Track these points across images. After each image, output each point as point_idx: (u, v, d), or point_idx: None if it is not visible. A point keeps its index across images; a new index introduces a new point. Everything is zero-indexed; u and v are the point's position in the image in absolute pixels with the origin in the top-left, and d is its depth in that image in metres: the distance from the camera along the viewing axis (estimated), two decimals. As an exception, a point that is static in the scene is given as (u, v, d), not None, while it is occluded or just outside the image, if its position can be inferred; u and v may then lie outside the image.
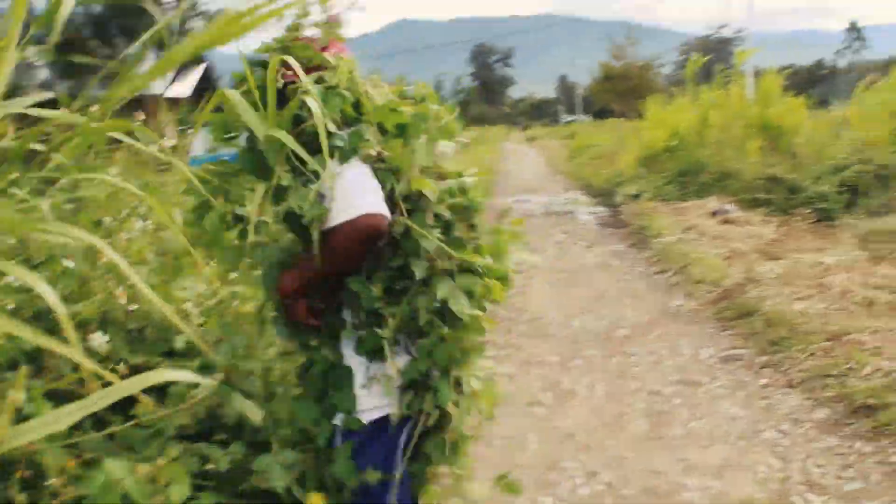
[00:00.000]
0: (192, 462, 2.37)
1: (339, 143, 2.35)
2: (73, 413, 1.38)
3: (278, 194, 2.40)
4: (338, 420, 2.52)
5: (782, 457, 4.84)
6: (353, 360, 2.51)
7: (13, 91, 1.93)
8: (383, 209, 2.31)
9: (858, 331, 6.47)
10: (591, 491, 4.56)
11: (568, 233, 14.27)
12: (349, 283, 2.43)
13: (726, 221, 12.88)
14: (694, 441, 5.17)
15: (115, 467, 1.92)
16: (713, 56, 22.60)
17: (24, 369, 1.49)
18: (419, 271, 2.42)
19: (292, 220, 2.40)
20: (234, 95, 2.34)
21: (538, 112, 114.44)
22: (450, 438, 2.68)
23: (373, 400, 2.51)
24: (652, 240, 12.35)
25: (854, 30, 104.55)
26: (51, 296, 1.44)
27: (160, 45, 2.24)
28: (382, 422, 2.53)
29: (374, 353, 2.47)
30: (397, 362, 2.49)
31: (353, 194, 2.32)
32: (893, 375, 5.44)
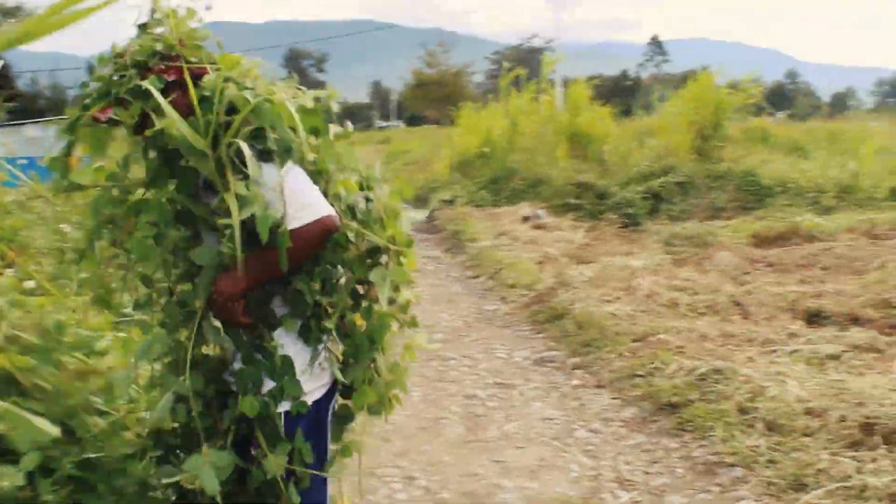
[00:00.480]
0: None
1: (273, 146, 2.35)
2: None
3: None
4: (284, 407, 2.53)
5: (594, 455, 4.98)
6: (292, 348, 2.55)
7: None
8: (333, 210, 2.43)
9: (663, 331, 6.74)
10: (408, 496, 4.55)
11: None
12: (296, 283, 2.50)
13: (538, 226, 13.20)
14: (510, 443, 5.24)
15: None
16: (524, 65, 23.06)
17: None
18: (376, 274, 2.64)
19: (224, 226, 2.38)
20: (166, 106, 2.27)
21: (351, 117, 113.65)
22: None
23: (314, 383, 2.60)
24: (466, 245, 12.51)
25: (656, 43, 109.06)
26: None
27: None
28: (323, 399, 2.66)
29: (317, 340, 2.59)
30: (338, 346, 2.69)
31: (307, 197, 2.40)
32: (694, 373, 5.68)
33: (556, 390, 6.20)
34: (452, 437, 5.38)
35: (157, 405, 2.59)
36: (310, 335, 2.59)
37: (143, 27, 2.46)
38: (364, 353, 2.73)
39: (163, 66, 2.36)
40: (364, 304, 2.75)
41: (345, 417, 2.90)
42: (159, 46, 2.39)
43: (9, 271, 3.94)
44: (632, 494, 4.44)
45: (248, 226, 2.32)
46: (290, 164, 2.39)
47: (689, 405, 5.32)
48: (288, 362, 2.52)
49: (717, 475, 4.51)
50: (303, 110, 2.46)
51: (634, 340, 6.69)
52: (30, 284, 3.66)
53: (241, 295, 2.45)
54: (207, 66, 2.42)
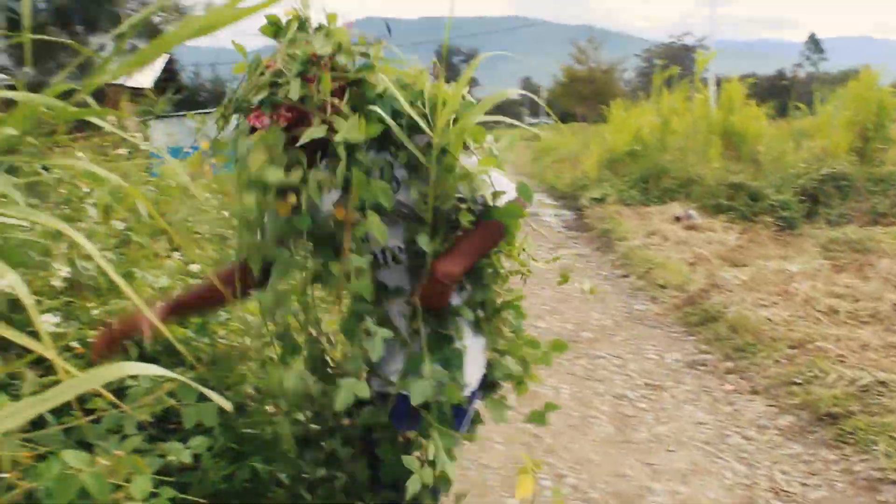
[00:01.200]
0: (154, 460, 2.30)
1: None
2: (32, 407, 1.31)
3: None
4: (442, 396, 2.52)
5: (748, 463, 4.85)
6: (468, 339, 2.59)
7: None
8: None
9: (822, 339, 6.51)
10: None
11: (533, 234, 14.23)
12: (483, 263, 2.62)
13: (690, 227, 12.94)
14: (660, 445, 5.16)
15: (72, 458, 1.86)
16: (675, 62, 22.69)
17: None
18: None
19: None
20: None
21: (501, 113, 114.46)
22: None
23: (477, 372, 2.66)
24: (616, 243, 12.38)
25: (813, 41, 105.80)
26: (19, 285, 1.38)
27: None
28: (477, 390, 2.71)
29: (483, 328, 2.68)
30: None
31: (503, 182, 2.50)
32: (856, 384, 5.47)
33: (709, 394, 6.07)
34: (601, 437, 5.34)
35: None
36: (479, 325, 2.64)
37: (293, 37, 2.46)
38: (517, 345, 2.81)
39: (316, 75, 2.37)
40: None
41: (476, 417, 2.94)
42: (314, 52, 2.40)
43: (176, 255, 4.14)
44: (788, 506, 4.32)
45: (448, 212, 2.44)
46: (474, 154, 2.49)
47: (851, 417, 5.13)
48: (459, 354, 2.51)
49: (881, 492, 4.34)
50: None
51: (791, 347, 6.48)
52: (194, 267, 3.83)
53: (461, 277, 2.49)
54: (372, 72, 2.44)
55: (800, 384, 5.81)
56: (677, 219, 13.56)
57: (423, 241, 2.43)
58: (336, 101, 2.36)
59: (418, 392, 2.39)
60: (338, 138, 2.31)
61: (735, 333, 7.16)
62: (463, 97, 2.45)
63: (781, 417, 5.48)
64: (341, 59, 2.43)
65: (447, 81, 2.56)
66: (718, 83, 21.16)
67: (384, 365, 2.56)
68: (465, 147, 2.47)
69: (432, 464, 2.40)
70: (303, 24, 2.45)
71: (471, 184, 2.41)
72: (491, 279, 2.68)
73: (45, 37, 1.83)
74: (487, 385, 2.81)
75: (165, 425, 2.69)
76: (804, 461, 4.82)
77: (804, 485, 4.53)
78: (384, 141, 2.41)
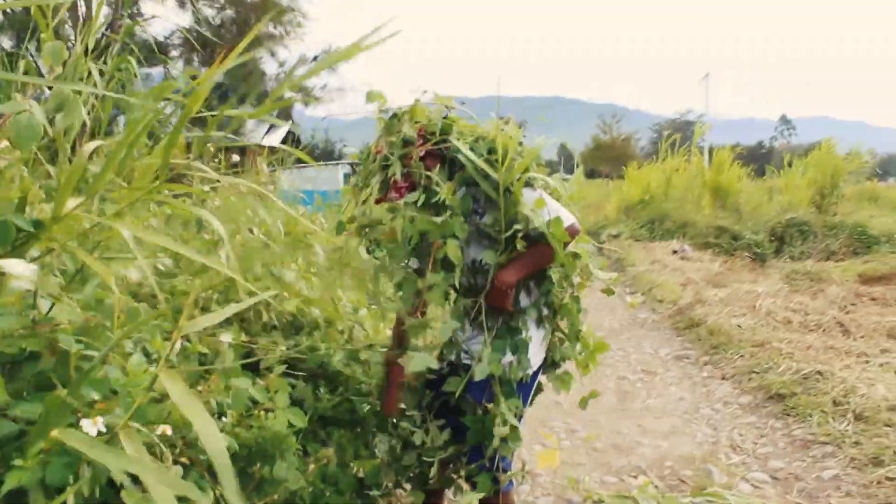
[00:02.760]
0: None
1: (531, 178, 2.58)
2: (230, 309, 1.53)
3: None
4: (521, 373, 2.59)
5: (714, 427, 4.97)
6: (532, 331, 2.62)
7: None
8: (575, 219, 2.58)
9: (778, 341, 6.55)
10: (571, 444, 4.70)
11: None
12: (550, 272, 2.62)
13: (684, 258, 12.96)
14: (650, 413, 5.31)
15: (241, 381, 2.11)
16: (679, 134, 22.61)
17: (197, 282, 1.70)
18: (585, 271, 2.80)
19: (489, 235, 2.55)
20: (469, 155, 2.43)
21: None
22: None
23: (538, 357, 2.68)
24: (627, 268, 12.45)
25: (785, 120, 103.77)
26: (217, 224, 1.60)
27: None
28: (537, 371, 2.74)
29: (544, 323, 2.69)
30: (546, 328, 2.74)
31: (560, 210, 2.52)
32: (800, 373, 5.54)
33: (689, 379, 6.19)
34: (607, 406, 5.49)
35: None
36: (541, 321, 2.68)
37: (390, 123, 2.56)
38: (574, 332, 2.82)
39: (414, 152, 2.46)
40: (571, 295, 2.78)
41: (539, 390, 2.92)
42: (408, 135, 2.50)
43: (300, 261, 4.38)
44: (741, 457, 4.42)
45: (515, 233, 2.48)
46: (539, 189, 2.57)
47: (794, 396, 5.20)
48: (524, 344, 2.57)
49: (811, 450, 4.43)
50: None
51: (754, 346, 6.54)
52: (313, 270, 4.04)
53: (516, 285, 2.51)
54: (453, 140, 2.49)
55: (758, 373, 5.88)
56: (674, 252, 13.58)
57: (488, 256, 2.50)
58: (429, 165, 2.48)
59: (482, 370, 2.46)
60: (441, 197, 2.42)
61: (712, 336, 7.24)
62: (521, 147, 2.52)
63: (742, 397, 5.57)
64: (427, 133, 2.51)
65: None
66: (711, 150, 21.07)
67: (471, 344, 2.61)
68: (529, 184, 2.54)
69: (504, 424, 2.51)
70: (394, 114, 2.56)
71: (525, 216, 2.43)
72: (551, 285, 2.65)
73: (209, 113, 2.00)
74: (550, 364, 2.84)
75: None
76: (757, 427, 4.92)
77: (755, 443, 4.63)
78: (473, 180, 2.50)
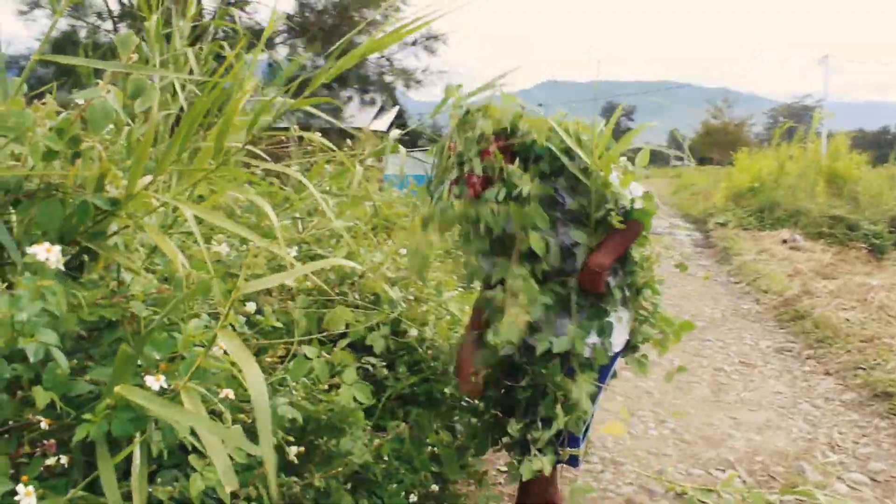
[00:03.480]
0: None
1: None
2: (288, 275, 1.59)
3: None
4: (588, 353, 2.63)
5: (813, 424, 4.76)
6: (615, 313, 2.66)
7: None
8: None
9: (889, 336, 6.21)
10: (658, 434, 4.60)
11: (666, 248, 14.00)
12: (633, 252, 2.67)
13: (793, 248, 12.40)
14: (744, 406, 5.13)
15: (309, 352, 2.18)
16: (796, 119, 21.61)
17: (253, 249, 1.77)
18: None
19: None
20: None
21: (652, 157, 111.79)
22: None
23: (620, 338, 2.70)
24: (732, 257, 12.03)
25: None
26: (270, 211, 1.67)
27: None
28: (618, 352, 2.77)
29: (629, 303, 2.73)
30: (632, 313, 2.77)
31: (637, 190, 2.57)
32: (911, 371, 5.26)
33: (790, 373, 5.94)
34: (699, 397, 5.35)
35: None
36: (625, 302, 2.70)
37: (464, 119, 2.58)
38: (655, 312, 2.84)
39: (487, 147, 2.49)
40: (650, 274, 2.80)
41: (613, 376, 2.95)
42: (483, 131, 2.51)
43: (389, 243, 4.49)
44: (839, 456, 4.22)
45: (601, 217, 2.53)
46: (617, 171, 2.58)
47: (902, 395, 4.94)
48: (610, 326, 2.60)
49: (917, 451, 4.21)
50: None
51: (862, 341, 6.22)
52: (402, 251, 4.12)
53: (609, 266, 2.54)
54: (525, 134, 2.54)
55: (864, 369, 5.60)
56: (784, 241, 13.01)
57: (581, 238, 2.55)
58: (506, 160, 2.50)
59: (560, 343, 2.53)
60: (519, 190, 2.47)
61: (818, 329, 6.92)
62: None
63: (846, 393, 5.31)
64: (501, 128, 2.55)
65: (612, 134, 2.71)
66: (828, 136, 20.05)
67: (559, 328, 2.63)
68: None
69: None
70: (468, 111, 2.59)
71: (616, 195, 2.50)
72: (634, 265, 2.70)
73: (324, 98, 2.05)
74: (629, 347, 2.85)
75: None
76: (859, 426, 4.68)
77: (855, 443, 4.41)
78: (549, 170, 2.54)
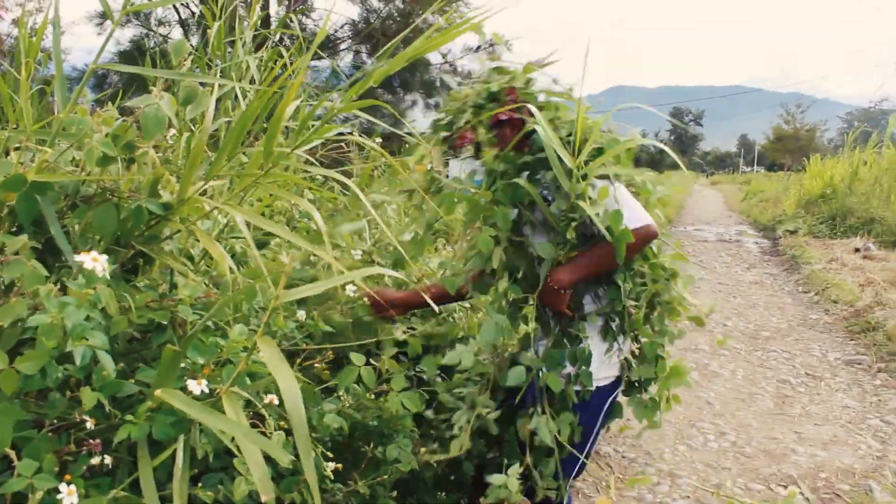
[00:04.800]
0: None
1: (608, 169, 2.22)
2: (322, 284, 1.58)
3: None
4: (577, 387, 2.29)
5: (882, 441, 4.55)
6: (593, 340, 2.30)
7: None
8: (653, 221, 2.22)
9: (967, 351, 5.93)
10: (718, 446, 4.47)
11: (733, 256, 13.67)
12: (616, 278, 2.25)
13: (866, 257, 11.92)
14: (809, 420, 4.94)
15: (356, 359, 2.17)
16: (873, 124, 20.82)
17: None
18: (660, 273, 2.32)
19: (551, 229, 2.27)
20: (546, 131, 2.13)
21: (721, 163, 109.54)
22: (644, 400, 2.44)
23: (602, 373, 2.32)
24: (802, 266, 11.65)
25: None
26: (318, 216, 1.66)
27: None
28: (606, 388, 2.37)
29: (613, 337, 2.32)
30: (629, 346, 2.40)
31: (634, 206, 2.19)
32: None
33: (859, 387, 5.70)
34: (762, 409, 5.17)
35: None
36: (608, 332, 2.31)
37: (489, 73, 2.37)
38: (651, 354, 2.35)
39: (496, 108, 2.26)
40: (657, 311, 2.38)
41: (614, 413, 2.44)
42: (494, 91, 2.29)
43: (448, 247, 4.49)
44: (911, 475, 4.05)
45: (583, 228, 2.18)
46: (617, 182, 2.22)
47: (979, 413, 4.69)
48: (586, 354, 2.25)
49: None
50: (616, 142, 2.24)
51: (937, 355, 5.96)
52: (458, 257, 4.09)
53: (572, 285, 2.21)
54: (529, 109, 2.24)
55: (939, 385, 5.36)
56: (856, 250, 12.53)
57: (544, 249, 2.23)
58: (507, 133, 2.27)
59: (514, 375, 2.22)
60: (487, 164, 2.25)
61: (890, 341, 6.63)
62: (614, 137, 2.23)
63: (919, 410, 5.09)
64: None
65: (679, 137, 2.41)
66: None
67: (539, 344, 2.31)
68: (607, 177, 2.20)
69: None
70: (498, 68, 2.37)
71: (580, 204, 2.11)
72: (616, 293, 2.27)
73: (374, 101, 2.03)
74: (630, 386, 2.42)
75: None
76: (932, 445, 4.48)
77: (928, 462, 4.23)
78: (538, 164, 2.25)
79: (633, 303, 2.30)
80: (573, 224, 2.16)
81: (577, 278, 2.20)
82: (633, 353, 2.41)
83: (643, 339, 2.37)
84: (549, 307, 2.26)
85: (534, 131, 2.20)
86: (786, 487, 3.88)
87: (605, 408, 2.37)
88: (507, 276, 2.30)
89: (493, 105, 2.28)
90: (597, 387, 2.30)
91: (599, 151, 2.20)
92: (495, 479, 2.13)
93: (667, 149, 2.44)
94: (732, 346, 6.92)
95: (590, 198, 2.12)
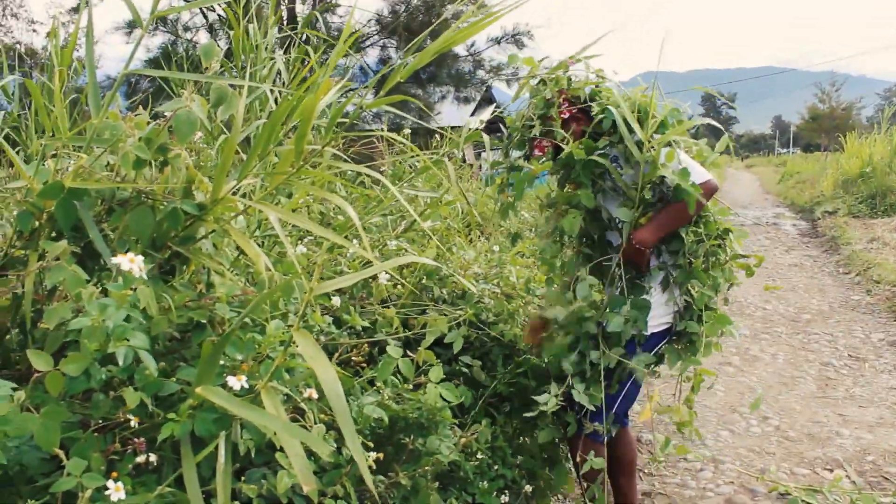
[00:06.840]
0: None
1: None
2: (363, 274, 1.59)
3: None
4: (633, 330, 2.56)
5: (931, 422, 4.47)
6: (653, 290, 2.61)
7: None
8: (713, 177, 2.55)
9: None
10: (761, 431, 4.41)
11: (771, 239, 13.45)
12: (683, 232, 2.57)
13: (909, 235, 11.67)
14: (854, 402, 4.85)
15: (392, 350, 2.19)
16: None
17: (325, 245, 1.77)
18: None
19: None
20: (623, 127, 2.47)
21: (756, 145, 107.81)
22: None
23: (656, 321, 2.63)
24: (841, 247, 11.42)
25: None
26: (352, 211, 1.67)
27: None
28: (658, 334, 2.67)
29: (669, 287, 2.64)
30: (682, 298, 2.67)
31: (696, 167, 2.52)
32: None
33: (905, 367, 5.59)
34: (805, 392, 5.08)
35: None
36: (667, 284, 2.64)
37: (536, 88, 2.69)
38: (701, 304, 2.65)
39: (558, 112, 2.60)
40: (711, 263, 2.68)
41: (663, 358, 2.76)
42: (548, 98, 2.61)
43: (482, 240, 4.48)
44: (961, 456, 3.95)
45: (652, 190, 2.53)
46: (678, 149, 2.53)
47: None
48: (644, 303, 2.55)
49: None
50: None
51: None
52: (496, 248, 4.11)
53: (655, 244, 2.54)
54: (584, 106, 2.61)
55: None
56: (898, 228, 12.26)
57: (623, 213, 2.54)
58: (575, 128, 2.60)
59: (612, 321, 2.52)
60: (562, 155, 2.56)
61: (935, 321, 6.50)
62: (674, 108, 2.55)
63: (968, 389, 4.96)
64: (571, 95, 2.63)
65: (715, 120, 2.74)
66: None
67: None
68: (668, 144, 2.51)
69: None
70: (541, 80, 2.68)
71: (666, 170, 2.44)
72: (680, 245, 2.60)
73: (403, 96, 2.05)
74: (676, 335, 2.73)
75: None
76: (983, 424, 4.37)
77: (979, 442, 4.12)
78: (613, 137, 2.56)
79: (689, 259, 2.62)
80: (648, 186, 2.50)
81: (659, 237, 2.54)
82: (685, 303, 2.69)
83: (694, 293, 2.66)
84: (631, 265, 2.58)
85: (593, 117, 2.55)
86: (831, 471, 3.82)
87: (655, 350, 2.69)
88: (580, 242, 2.74)
89: (552, 111, 2.60)
90: (651, 332, 2.62)
91: (661, 124, 2.48)
92: (542, 398, 2.52)
93: (720, 126, 2.84)
94: (773, 329, 6.81)
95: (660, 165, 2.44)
